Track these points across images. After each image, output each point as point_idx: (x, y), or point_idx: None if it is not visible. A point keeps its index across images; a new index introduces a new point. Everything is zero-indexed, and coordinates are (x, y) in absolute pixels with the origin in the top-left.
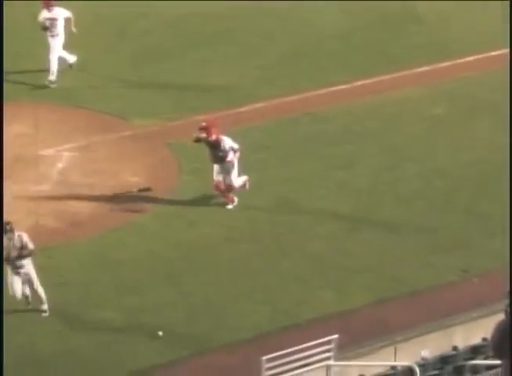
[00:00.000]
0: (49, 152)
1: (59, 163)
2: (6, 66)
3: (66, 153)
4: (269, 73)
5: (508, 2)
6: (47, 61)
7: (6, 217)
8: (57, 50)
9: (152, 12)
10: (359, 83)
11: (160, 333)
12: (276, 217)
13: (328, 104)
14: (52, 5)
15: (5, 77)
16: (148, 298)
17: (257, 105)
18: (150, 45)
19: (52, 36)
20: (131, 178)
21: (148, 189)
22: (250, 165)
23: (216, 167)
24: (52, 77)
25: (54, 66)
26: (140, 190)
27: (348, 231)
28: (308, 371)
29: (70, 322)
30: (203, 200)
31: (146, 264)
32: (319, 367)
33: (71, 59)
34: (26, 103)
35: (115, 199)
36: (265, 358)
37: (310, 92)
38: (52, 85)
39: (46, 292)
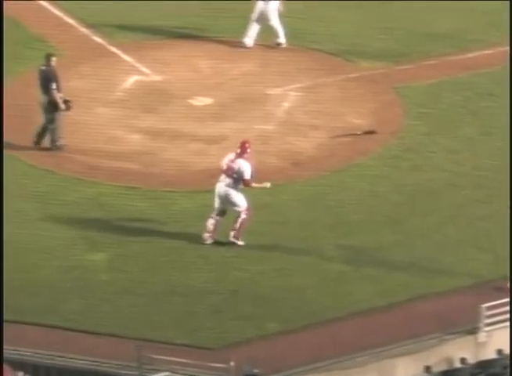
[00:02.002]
0: (276, 91)
1: (285, 102)
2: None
3: (292, 93)
4: (498, 18)
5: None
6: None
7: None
8: (275, 14)
9: None
10: None
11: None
12: (501, 164)
13: None
14: None
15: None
16: (368, 239)
17: (486, 51)
18: None
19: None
20: (356, 121)
21: (372, 132)
22: (476, 112)
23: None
24: (281, 39)
25: (280, 29)
26: (364, 133)
27: None
28: None
29: (289, 260)
30: (427, 145)
31: (367, 206)
32: None
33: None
34: (255, 42)
35: (338, 140)
36: (484, 305)
37: None
38: (283, 46)
39: (268, 230)
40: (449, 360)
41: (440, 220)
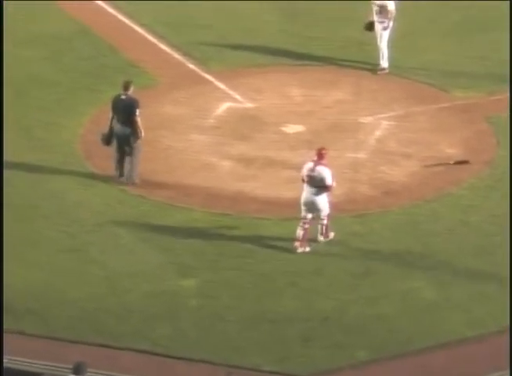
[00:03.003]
0: (368, 120)
1: (377, 131)
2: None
3: (384, 122)
4: None
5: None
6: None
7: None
8: (385, 37)
9: None
10: None
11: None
12: None
13: None
14: None
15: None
16: (459, 269)
17: None
18: (474, 16)
19: (381, 23)
20: (448, 150)
21: (465, 162)
22: None
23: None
24: (383, 62)
25: (385, 53)
26: (457, 162)
27: None
28: None
29: (380, 288)
30: None
31: (459, 235)
32: None
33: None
34: (348, 70)
35: (430, 170)
36: None
37: None
38: (384, 72)
39: (359, 258)
40: None
41: None
